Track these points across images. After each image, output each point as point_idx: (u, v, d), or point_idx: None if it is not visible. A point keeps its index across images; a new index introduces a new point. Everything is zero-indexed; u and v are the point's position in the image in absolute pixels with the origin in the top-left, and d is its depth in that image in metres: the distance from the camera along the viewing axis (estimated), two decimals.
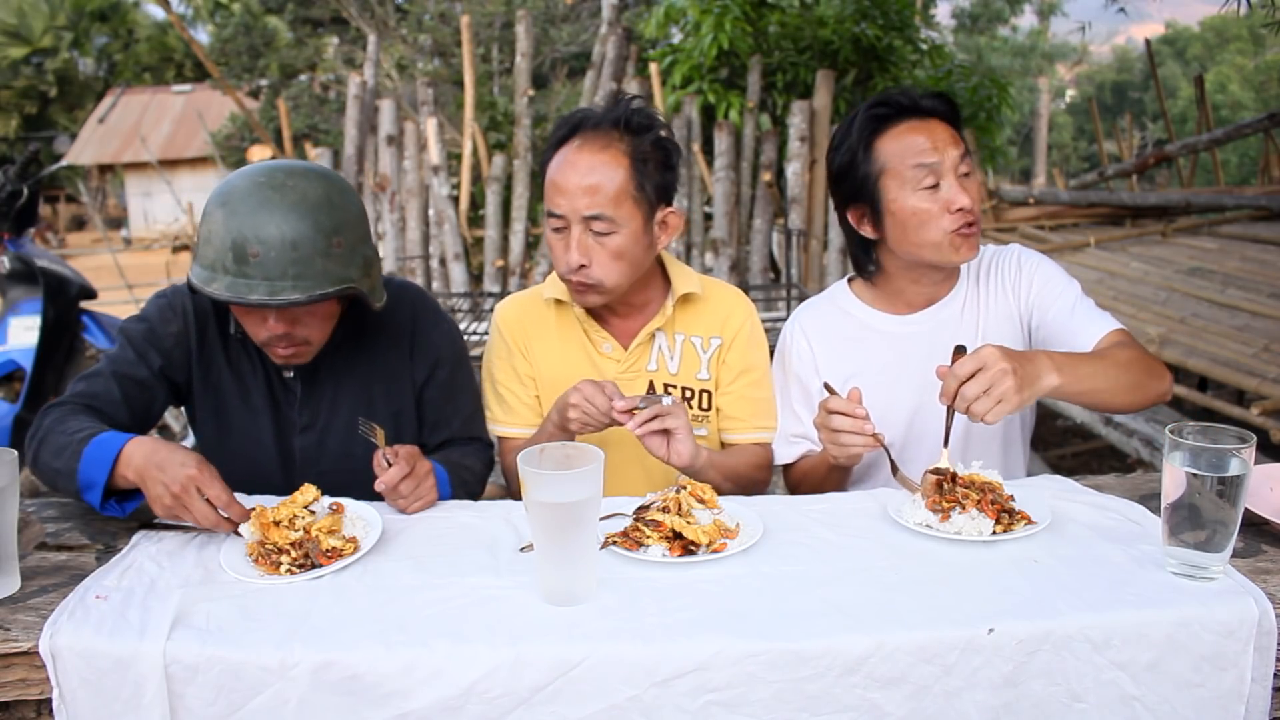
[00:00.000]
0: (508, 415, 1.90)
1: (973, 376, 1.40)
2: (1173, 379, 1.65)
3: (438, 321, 1.86)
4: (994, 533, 1.35)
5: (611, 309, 1.84)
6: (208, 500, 1.36)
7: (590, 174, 1.66)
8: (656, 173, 1.71)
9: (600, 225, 1.67)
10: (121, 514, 1.46)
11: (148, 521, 1.47)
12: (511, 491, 1.85)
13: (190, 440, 4.47)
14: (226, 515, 1.37)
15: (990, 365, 1.39)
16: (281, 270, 1.49)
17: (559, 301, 1.84)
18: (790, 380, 1.87)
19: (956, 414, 1.45)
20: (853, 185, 1.74)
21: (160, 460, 1.37)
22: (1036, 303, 1.76)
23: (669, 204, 1.76)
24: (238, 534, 1.39)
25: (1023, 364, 1.41)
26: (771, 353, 1.93)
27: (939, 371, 1.45)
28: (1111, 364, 1.54)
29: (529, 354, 1.87)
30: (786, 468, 1.88)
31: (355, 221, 1.60)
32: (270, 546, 1.31)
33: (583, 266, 1.69)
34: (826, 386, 1.62)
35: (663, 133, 1.74)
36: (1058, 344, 1.71)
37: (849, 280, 1.91)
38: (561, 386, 1.84)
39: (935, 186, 1.67)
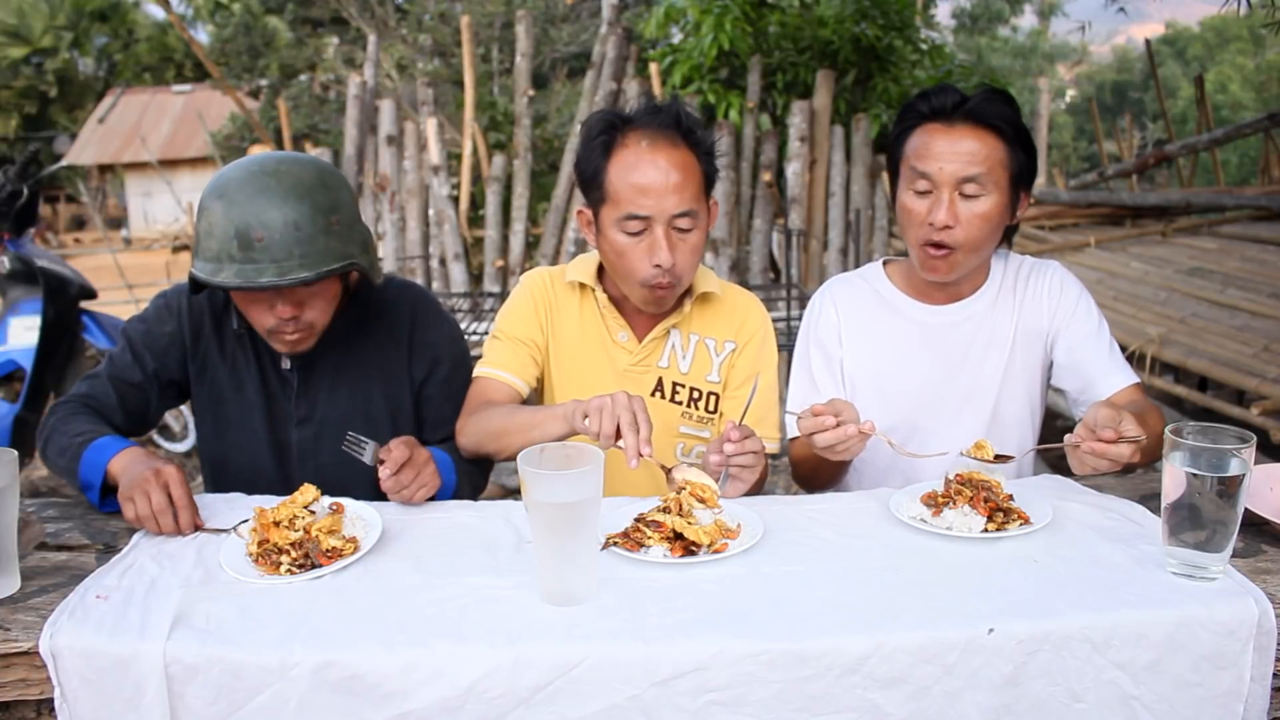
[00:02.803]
0: (496, 357, 1.84)
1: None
2: None
3: (439, 321, 1.87)
4: (985, 530, 1.36)
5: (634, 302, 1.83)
6: (170, 499, 1.42)
7: (673, 173, 1.66)
8: (710, 167, 1.75)
9: (685, 222, 1.68)
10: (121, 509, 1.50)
11: None
12: (472, 434, 1.74)
13: (191, 440, 4.48)
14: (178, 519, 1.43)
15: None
16: (287, 251, 1.51)
17: (582, 285, 1.85)
18: (812, 346, 1.87)
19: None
20: (892, 163, 1.77)
21: (136, 464, 1.47)
22: (1067, 328, 1.77)
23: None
24: (239, 535, 1.39)
25: None
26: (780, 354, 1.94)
27: (1108, 437, 1.38)
28: (1152, 438, 1.50)
29: (548, 324, 1.87)
30: (791, 441, 1.83)
31: (349, 202, 1.64)
32: (270, 547, 1.31)
33: (673, 265, 1.69)
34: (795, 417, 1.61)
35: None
36: (1083, 380, 1.74)
37: (884, 262, 1.92)
38: (573, 367, 1.85)
39: (928, 192, 1.67)
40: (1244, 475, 1.20)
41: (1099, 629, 1.15)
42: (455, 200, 6.33)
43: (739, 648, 1.11)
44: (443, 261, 6.09)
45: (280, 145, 8.70)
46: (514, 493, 4.08)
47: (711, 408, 1.87)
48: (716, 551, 1.32)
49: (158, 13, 24.87)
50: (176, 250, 16.05)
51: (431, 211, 6.10)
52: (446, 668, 1.10)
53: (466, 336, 3.80)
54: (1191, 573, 1.23)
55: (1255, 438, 1.22)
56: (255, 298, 1.60)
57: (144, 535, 1.42)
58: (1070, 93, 29.16)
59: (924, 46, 7.45)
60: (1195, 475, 1.20)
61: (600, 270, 1.86)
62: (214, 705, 1.10)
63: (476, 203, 6.64)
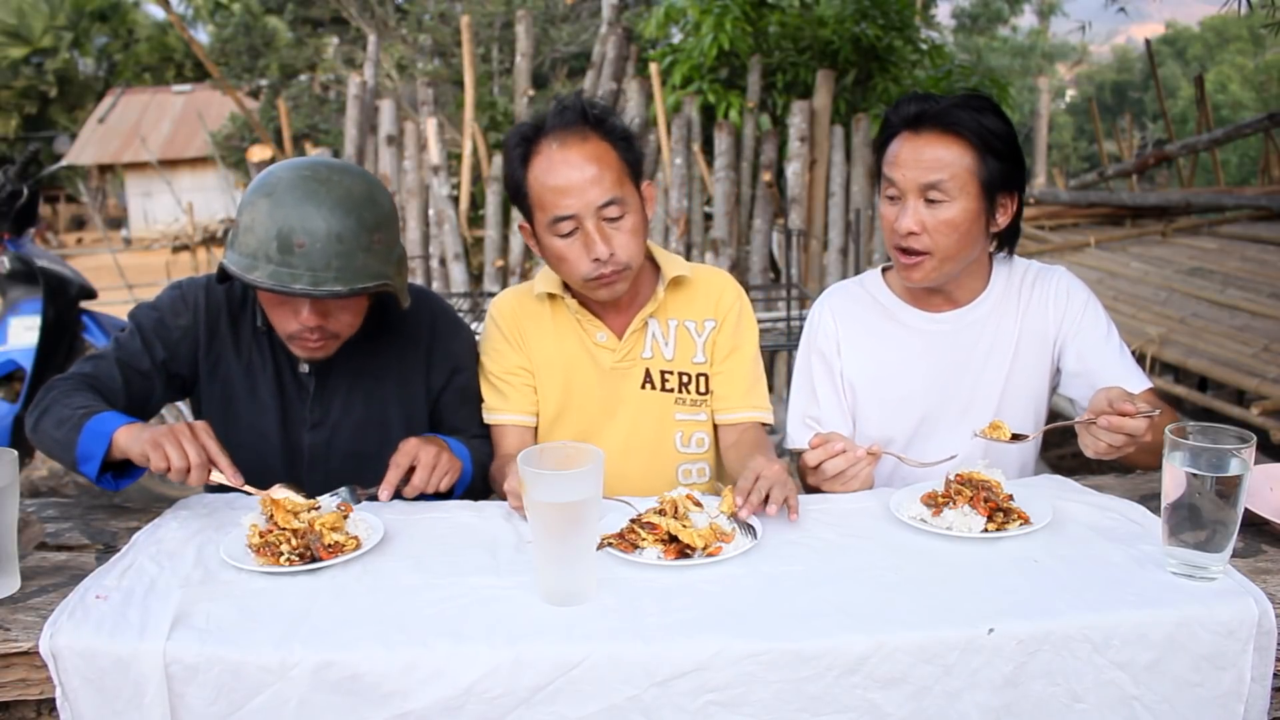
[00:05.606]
0: (503, 403, 1.87)
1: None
2: None
3: (457, 330, 1.88)
4: (985, 530, 1.36)
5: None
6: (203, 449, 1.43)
7: (588, 166, 1.68)
8: (630, 151, 1.75)
9: (613, 210, 1.70)
10: (115, 488, 1.51)
11: (151, 501, 1.50)
12: (498, 490, 1.79)
13: None
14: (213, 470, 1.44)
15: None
16: (325, 262, 1.51)
17: (551, 296, 1.85)
18: (813, 355, 1.87)
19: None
20: (877, 171, 1.79)
21: (150, 429, 1.46)
22: (1076, 336, 1.77)
23: (643, 178, 1.80)
24: (247, 492, 1.42)
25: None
26: (764, 343, 1.94)
27: (1127, 410, 1.42)
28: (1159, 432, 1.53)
29: (525, 346, 1.87)
30: (799, 454, 1.82)
31: (392, 221, 1.64)
32: (273, 536, 1.32)
33: (612, 255, 1.70)
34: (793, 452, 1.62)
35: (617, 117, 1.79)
36: (1094, 387, 1.70)
37: (883, 270, 1.92)
38: (560, 378, 1.86)
39: (897, 199, 1.69)
40: (1244, 475, 1.20)
41: (1099, 629, 1.15)
42: (455, 200, 6.32)
43: (738, 648, 1.11)
44: (443, 261, 6.08)
45: (280, 145, 8.70)
46: None
47: (702, 389, 1.88)
48: (711, 555, 1.32)
49: (158, 13, 24.87)
50: (176, 250, 16.04)
51: (431, 211, 6.10)
52: (446, 668, 1.10)
53: None
54: (1191, 573, 1.23)
55: (1255, 438, 1.22)
56: (283, 301, 1.60)
57: (144, 534, 1.42)
58: (1070, 93, 29.13)
59: (924, 46, 7.44)
60: (1195, 475, 1.20)
61: None
62: (214, 705, 1.10)
63: (476, 203, 6.63)
